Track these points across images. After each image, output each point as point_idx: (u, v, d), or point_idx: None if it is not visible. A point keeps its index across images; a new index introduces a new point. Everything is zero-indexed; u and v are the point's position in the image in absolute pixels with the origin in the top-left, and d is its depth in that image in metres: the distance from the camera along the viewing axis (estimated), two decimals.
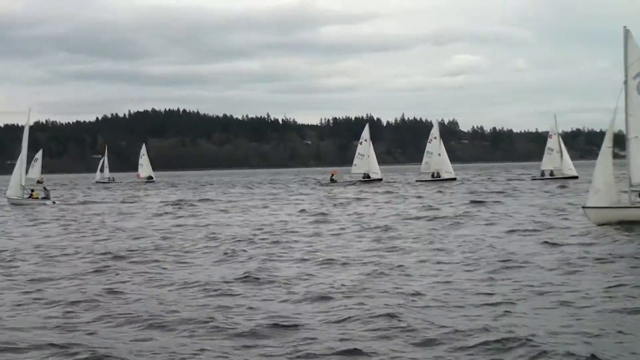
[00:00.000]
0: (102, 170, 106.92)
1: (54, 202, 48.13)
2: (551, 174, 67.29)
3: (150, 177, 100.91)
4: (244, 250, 20.14)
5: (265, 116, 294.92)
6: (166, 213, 37.38)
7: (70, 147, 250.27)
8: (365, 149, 72.07)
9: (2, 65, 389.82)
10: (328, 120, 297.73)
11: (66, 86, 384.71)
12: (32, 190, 49.70)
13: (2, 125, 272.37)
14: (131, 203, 49.78)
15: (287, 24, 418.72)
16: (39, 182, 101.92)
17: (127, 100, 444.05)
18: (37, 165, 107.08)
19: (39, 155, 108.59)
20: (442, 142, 70.70)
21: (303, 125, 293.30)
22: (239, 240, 22.84)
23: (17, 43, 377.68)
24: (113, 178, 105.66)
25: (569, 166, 66.26)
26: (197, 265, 17.77)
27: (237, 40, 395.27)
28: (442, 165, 70.16)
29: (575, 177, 63.43)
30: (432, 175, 70.43)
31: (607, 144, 24.40)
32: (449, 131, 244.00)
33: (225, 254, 19.56)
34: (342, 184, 69.66)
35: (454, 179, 69.74)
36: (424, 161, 71.56)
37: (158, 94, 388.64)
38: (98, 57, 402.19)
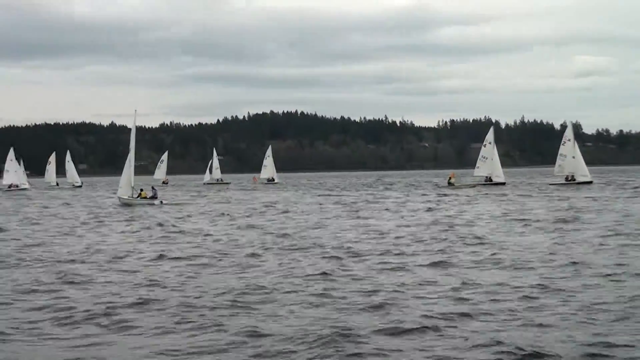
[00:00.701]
0: (211, 172, 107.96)
1: (161, 202, 49.15)
2: None
3: (271, 179, 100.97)
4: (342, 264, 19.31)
5: (383, 118, 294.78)
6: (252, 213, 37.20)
7: (192, 148, 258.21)
8: (489, 151, 70.07)
9: (130, 68, 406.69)
10: (445, 122, 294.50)
11: (190, 88, 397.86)
12: (141, 190, 50.97)
13: (130, 127, 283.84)
14: (226, 203, 50.29)
15: (406, 25, 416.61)
16: (164, 182, 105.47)
17: (247, 103, 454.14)
18: (162, 167, 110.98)
19: (164, 156, 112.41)
20: (576, 145, 67.58)
21: (420, 128, 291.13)
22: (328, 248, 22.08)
23: (145, 46, 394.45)
24: (222, 179, 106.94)
25: None
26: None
27: (355, 43, 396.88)
28: (577, 169, 66.93)
29: None
30: (566, 179, 67.29)
31: None
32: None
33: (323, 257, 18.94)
34: (461, 187, 67.86)
35: (590, 182, 66.22)
36: (557, 164, 68.45)
37: (277, 97, 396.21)
38: (220, 59, 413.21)
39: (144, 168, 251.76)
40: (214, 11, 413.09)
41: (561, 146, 68.19)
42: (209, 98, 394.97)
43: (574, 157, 66.90)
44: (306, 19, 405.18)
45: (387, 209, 39.68)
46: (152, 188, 52.27)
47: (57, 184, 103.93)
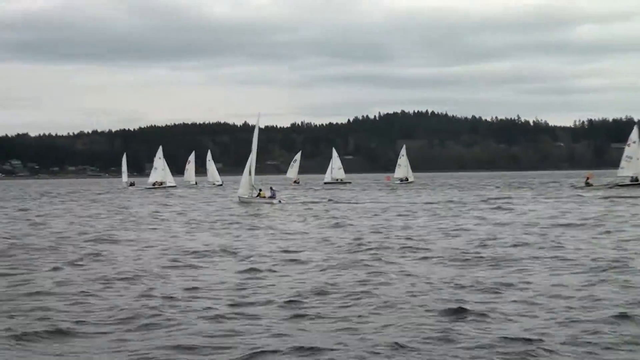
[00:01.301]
0: (332, 172, 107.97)
1: (279, 201, 50.17)
2: None
3: (405, 179, 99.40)
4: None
5: (515, 118, 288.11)
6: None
7: (323, 148, 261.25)
8: (633, 151, 66.68)
9: (263, 68, 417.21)
10: (582, 122, 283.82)
11: (321, 89, 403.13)
12: (260, 190, 52.16)
13: (263, 127, 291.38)
14: (337, 203, 50.34)
15: (541, 24, 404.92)
16: (295, 182, 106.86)
17: (377, 102, 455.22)
18: (295, 166, 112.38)
19: (297, 156, 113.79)
20: None
21: (555, 127, 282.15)
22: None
23: (278, 47, 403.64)
24: (342, 179, 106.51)
25: None
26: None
27: (487, 42, 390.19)
28: None
29: None
30: None
31: None
32: None
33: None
34: (599, 188, 64.90)
35: None
36: None
37: (408, 96, 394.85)
38: (351, 60, 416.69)
39: (276, 167, 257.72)
40: (346, 12, 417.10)
41: None
42: (339, 98, 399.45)
43: None
44: (438, 19, 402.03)
45: (510, 210, 38.66)
46: (271, 188, 53.59)
47: (196, 183, 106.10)
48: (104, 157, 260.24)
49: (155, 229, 31.25)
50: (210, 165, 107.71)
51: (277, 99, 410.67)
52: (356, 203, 50.33)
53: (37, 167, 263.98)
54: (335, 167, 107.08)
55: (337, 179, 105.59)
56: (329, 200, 54.43)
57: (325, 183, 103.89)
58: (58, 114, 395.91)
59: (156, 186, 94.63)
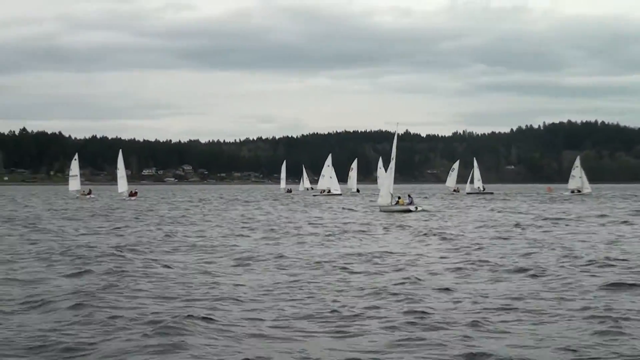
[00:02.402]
0: (472, 182, 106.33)
1: (416, 208, 50.93)
2: None
3: (577, 190, 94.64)
4: None
5: None
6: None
7: (484, 157, 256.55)
8: None
9: (425, 76, 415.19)
10: None
11: (482, 97, 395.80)
12: (399, 198, 53.03)
13: (424, 136, 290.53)
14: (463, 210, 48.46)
15: None
16: (455, 190, 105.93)
17: (542, 112, 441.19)
18: (453, 175, 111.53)
19: (455, 165, 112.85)
20: None
21: None
22: None
23: (439, 55, 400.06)
24: (483, 187, 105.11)
25: None
26: None
27: None
28: None
29: None
30: None
31: None
32: None
33: None
34: None
35: None
36: None
37: (575, 105, 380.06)
38: (514, 68, 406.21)
39: (436, 176, 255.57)
40: (510, 20, 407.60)
41: None
42: (502, 107, 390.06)
43: None
44: (610, 26, 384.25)
45: None
46: (409, 196, 54.84)
47: (358, 191, 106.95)
48: (268, 163, 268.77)
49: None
50: (381, 173, 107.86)
51: (438, 108, 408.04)
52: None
53: (206, 172, 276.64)
54: (476, 178, 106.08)
55: (477, 188, 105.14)
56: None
57: (467, 193, 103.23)
58: (225, 121, 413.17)
59: (322, 194, 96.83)
